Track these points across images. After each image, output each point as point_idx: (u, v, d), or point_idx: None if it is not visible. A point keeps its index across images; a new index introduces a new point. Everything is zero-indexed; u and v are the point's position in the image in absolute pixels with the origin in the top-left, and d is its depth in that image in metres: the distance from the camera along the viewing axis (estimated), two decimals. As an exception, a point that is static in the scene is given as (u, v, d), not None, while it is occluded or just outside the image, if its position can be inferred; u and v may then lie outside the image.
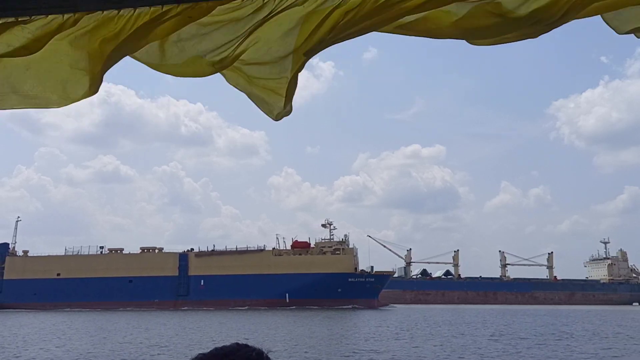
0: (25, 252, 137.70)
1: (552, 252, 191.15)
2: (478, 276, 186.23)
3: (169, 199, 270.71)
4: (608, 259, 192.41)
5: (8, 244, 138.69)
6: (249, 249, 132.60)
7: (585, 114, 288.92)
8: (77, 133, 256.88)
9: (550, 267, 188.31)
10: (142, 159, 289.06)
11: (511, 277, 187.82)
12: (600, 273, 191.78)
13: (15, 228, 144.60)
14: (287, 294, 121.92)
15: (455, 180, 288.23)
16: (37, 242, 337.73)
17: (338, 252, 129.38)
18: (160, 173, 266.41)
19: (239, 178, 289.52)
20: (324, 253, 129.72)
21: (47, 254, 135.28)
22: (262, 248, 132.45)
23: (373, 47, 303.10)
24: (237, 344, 1.87)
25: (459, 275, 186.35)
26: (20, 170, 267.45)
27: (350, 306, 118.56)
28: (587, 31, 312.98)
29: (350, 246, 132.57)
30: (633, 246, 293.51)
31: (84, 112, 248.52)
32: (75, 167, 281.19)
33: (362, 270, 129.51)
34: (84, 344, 43.98)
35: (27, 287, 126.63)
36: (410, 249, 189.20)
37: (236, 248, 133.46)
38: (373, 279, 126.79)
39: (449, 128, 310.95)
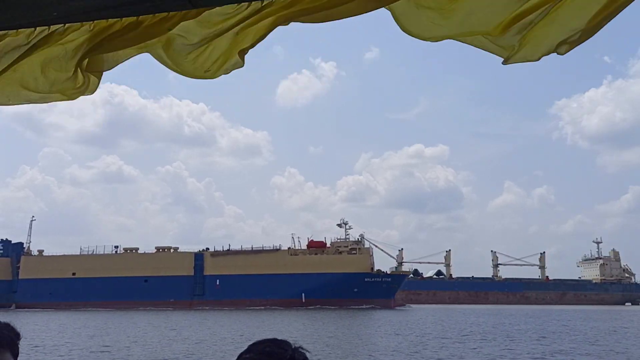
0: (41, 251, 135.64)
1: (544, 252, 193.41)
2: (470, 276, 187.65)
3: (172, 199, 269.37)
4: (600, 259, 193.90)
5: (22, 244, 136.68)
6: (264, 248, 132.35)
7: (588, 113, 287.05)
8: (80, 133, 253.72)
9: (542, 267, 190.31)
10: (146, 159, 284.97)
11: (503, 277, 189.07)
12: (592, 273, 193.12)
13: (30, 227, 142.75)
14: (303, 294, 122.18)
15: (459, 180, 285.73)
16: (41, 242, 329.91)
17: (354, 252, 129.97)
18: (163, 173, 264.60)
19: (242, 178, 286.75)
20: (340, 253, 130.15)
21: (62, 254, 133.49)
22: (278, 248, 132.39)
23: (375, 47, 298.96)
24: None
25: (451, 275, 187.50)
26: (25, 171, 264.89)
27: (367, 306, 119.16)
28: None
29: (366, 246, 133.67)
30: (635, 246, 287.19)
31: (87, 113, 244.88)
32: (79, 167, 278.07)
33: (377, 270, 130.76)
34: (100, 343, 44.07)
35: (42, 287, 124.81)
36: (402, 249, 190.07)
37: (252, 248, 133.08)
38: (389, 279, 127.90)
39: (452, 128, 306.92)
